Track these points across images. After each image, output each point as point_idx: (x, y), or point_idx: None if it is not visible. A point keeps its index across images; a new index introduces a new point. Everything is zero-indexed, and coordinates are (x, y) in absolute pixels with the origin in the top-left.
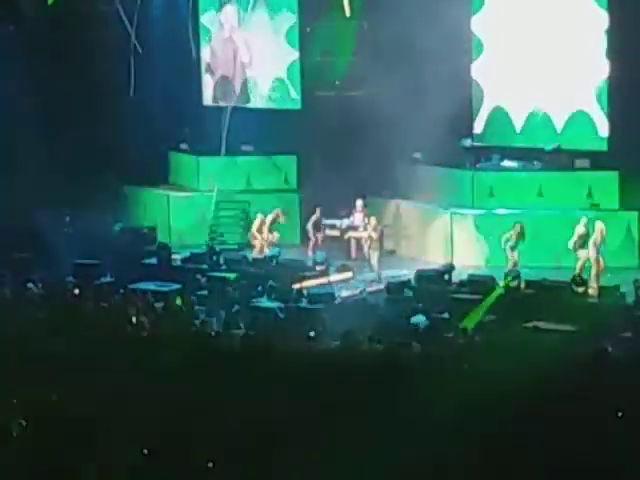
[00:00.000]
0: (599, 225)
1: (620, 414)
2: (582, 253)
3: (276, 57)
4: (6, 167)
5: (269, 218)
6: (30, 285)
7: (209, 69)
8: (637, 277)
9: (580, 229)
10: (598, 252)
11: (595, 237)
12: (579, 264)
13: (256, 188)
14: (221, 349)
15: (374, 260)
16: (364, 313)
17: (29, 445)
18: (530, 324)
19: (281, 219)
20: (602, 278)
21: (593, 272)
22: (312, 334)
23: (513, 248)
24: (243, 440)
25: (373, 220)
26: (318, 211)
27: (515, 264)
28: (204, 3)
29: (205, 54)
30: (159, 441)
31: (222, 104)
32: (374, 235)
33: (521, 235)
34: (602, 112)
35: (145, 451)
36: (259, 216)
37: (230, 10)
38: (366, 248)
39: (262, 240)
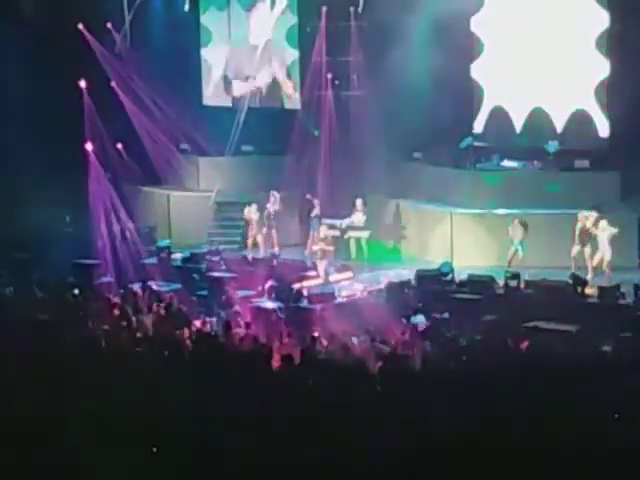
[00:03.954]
0: (603, 223)
1: (620, 414)
2: (577, 250)
3: (278, 57)
4: (6, 167)
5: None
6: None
7: (225, 70)
8: (637, 276)
9: (584, 222)
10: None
11: (601, 236)
12: (574, 262)
13: (256, 188)
14: (221, 349)
15: (320, 269)
16: (364, 313)
17: (29, 445)
18: (530, 324)
19: (277, 205)
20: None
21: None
22: (316, 334)
23: (518, 244)
24: (243, 440)
25: (324, 229)
26: (311, 198)
27: (510, 262)
28: (205, 2)
29: (216, 54)
30: (159, 441)
31: (231, 105)
32: (326, 247)
33: (522, 229)
34: (602, 112)
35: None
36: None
37: (262, 13)
38: (316, 256)
39: (263, 235)
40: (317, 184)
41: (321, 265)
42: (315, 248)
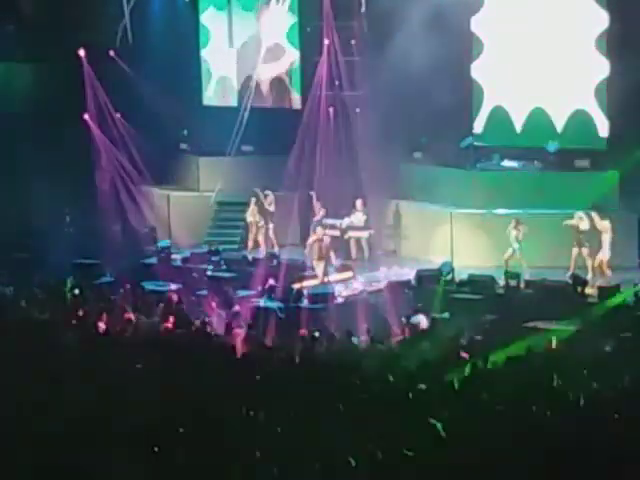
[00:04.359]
0: (606, 224)
1: (620, 414)
2: (576, 251)
3: (278, 57)
4: (6, 167)
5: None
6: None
7: (225, 70)
8: (637, 277)
9: (578, 223)
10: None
11: (604, 237)
12: (574, 262)
13: (257, 188)
14: (221, 349)
15: (319, 270)
16: (364, 313)
17: (30, 445)
18: (530, 324)
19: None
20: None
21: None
22: (316, 334)
23: (515, 243)
24: (243, 440)
25: (320, 230)
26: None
27: (507, 262)
28: (205, 2)
29: (216, 54)
30: (159, 441)
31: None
32: (324, 247)
33: (520, 228)
34: (602, 112)
35: (150, 450)
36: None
37: (262, 14)
38: (313, 258)
39: (260, 231)
40: (317, 184)
41: (319, 266)
42: (310, 241)
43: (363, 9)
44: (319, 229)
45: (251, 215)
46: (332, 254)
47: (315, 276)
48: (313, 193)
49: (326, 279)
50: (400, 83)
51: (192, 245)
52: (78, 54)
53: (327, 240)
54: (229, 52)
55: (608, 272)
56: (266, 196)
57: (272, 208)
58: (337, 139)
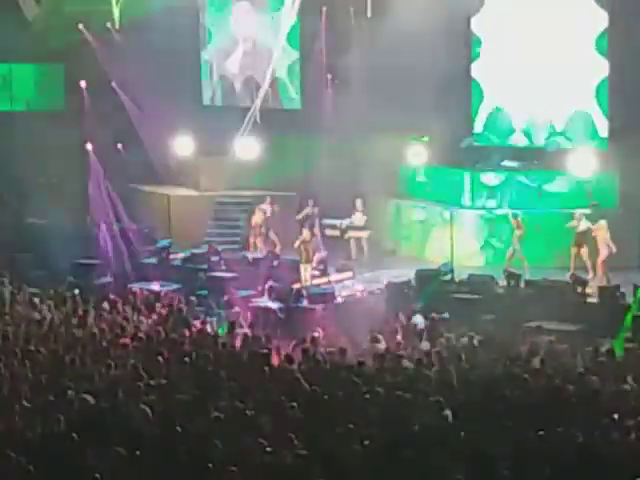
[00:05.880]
0: (603, 224)
1: (618, 414)
2: (576, 251)
3: (278, 57)
4: (6, 167)
5: (264, 208)
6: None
7: (226, 70)
8: (637, 276)
9: (577, 224)
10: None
11: (605, 237)
12: (573, 262)
13: (257, 188)
14: (221, 349)
15: (307, 274)
16: (364, 313)
17: (29, 444)
18: (531, 324)
19: (274, 209)
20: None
21: (600, 273)
22: (316, 334)
23: (517, 243)
24: (243, 440)
25: (306, 232)
26: (312, 204)
27: (509, 261)
28: (205, 2)
29: (216, 54)
30: (158, 441)
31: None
32: (310, 248)
33: (521, 228)
34: (602, 112)
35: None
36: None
37: (263, 14)
38: (301, 260)
39: (263, 240)
40: (317, 184)
41: (306, 268)
42: (297, 244)
43: (369, 14)
44: (305, 231)
45: (251, 218)
46: (322, 254)
47: (315, 276)
48: (311, 202)
49: (326, 279)
50: (400, 83)
51: (192, 245)
52: (78, 53)
53: (315, 242)
54: (230, 52)
55: (600, 272)
56: (265, 199)
57: (269, 212)
58: (337, 139)
